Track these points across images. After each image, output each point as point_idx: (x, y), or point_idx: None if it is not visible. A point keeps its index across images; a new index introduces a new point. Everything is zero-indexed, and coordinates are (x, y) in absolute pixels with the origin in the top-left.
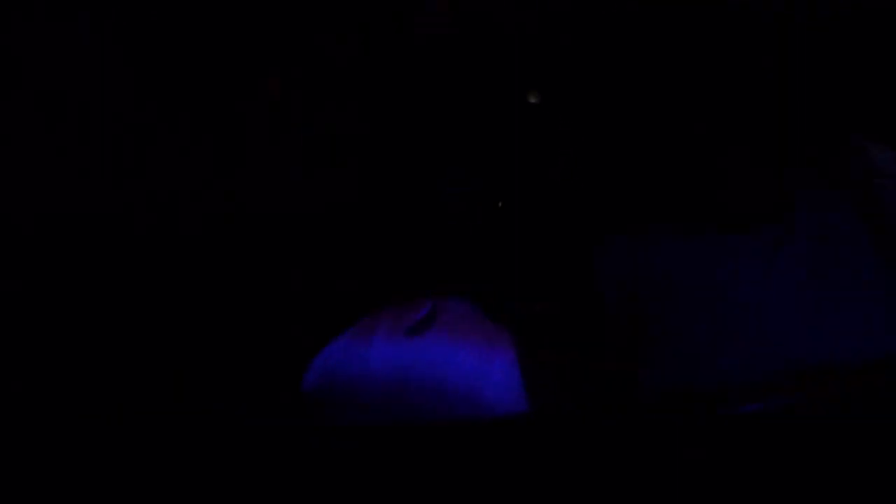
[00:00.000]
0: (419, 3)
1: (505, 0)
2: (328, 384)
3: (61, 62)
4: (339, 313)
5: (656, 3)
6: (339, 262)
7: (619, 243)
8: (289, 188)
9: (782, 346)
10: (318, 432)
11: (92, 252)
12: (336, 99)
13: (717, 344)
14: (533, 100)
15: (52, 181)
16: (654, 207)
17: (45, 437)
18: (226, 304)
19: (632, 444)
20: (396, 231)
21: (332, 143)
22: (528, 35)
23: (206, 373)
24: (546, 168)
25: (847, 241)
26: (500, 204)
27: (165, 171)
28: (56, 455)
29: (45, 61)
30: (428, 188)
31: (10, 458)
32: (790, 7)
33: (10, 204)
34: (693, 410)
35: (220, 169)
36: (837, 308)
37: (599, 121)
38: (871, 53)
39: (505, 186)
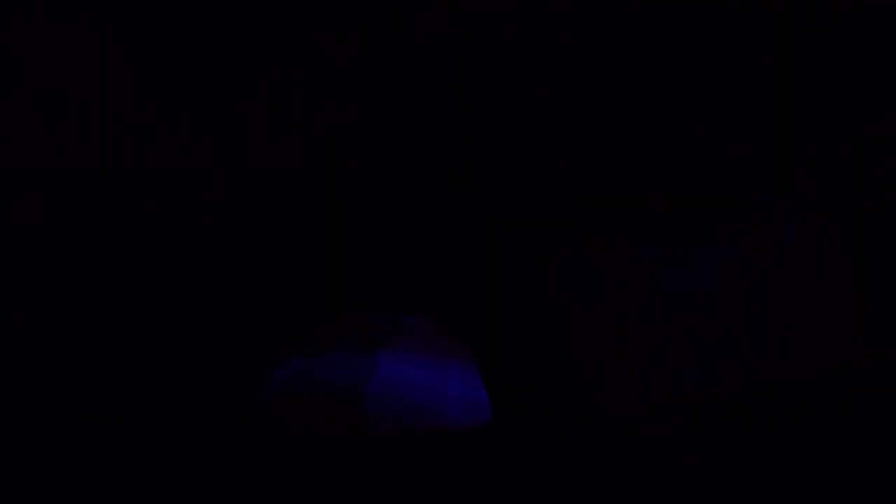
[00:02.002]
0: (419, 3)
1: (505, 0)
2: (288, 395)
3: (61, 62)
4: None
5: (656, 3)
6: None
7: (583, 253)
8: (288, 188)
9: (747, 356)
10: (275, 443)
11: (91, 251)
12: (336, 99)
13: (686, 354)
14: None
15: (51, 181)
16: (627, 209)
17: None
18: (220, 301)
19: (594, 455)
20: (392, 236)
21: (332, 142)
22: (529, 35)
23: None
24: (545, 170)
25: (814, 256)
26: None
27: (165, 171)
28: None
29: (46, 61)
30: (427, 189)
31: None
32: (790, 7)
33: (9, 203)
34: (657, 424)
35: (220, 168)
36: (799, 319)
37: (599, 120)
38: (871, 53)
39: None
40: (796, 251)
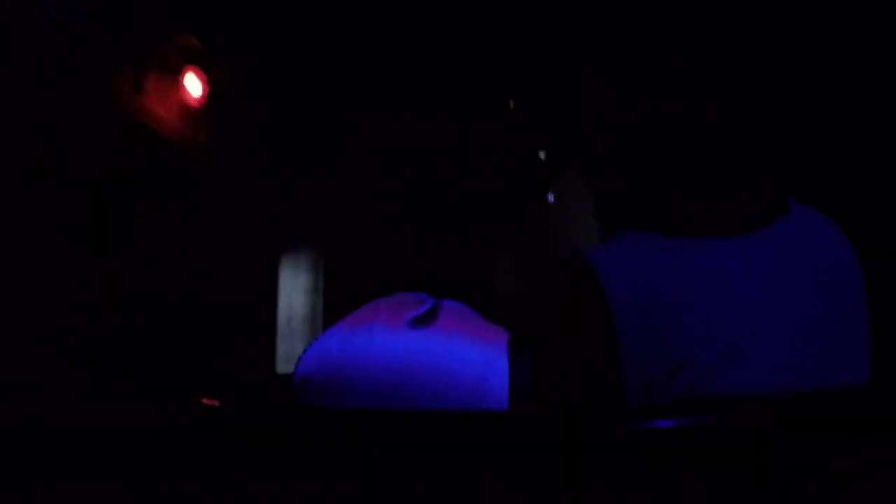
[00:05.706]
0: None
1: None
2: (326, 372)
3: None
4: None
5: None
6: None
7: (614, 252)
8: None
9: (782, 366)
10: (319, 418)
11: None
12: None
13: (715, 359)
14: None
15: None
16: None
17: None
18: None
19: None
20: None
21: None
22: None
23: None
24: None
25: (837, 266)
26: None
27: None
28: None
29: None
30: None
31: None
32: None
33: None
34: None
35: None
36: (830, 333)
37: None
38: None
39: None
40: (833, 257)
